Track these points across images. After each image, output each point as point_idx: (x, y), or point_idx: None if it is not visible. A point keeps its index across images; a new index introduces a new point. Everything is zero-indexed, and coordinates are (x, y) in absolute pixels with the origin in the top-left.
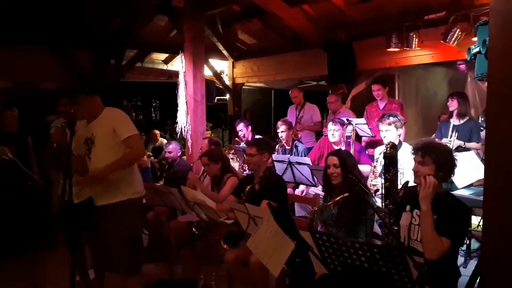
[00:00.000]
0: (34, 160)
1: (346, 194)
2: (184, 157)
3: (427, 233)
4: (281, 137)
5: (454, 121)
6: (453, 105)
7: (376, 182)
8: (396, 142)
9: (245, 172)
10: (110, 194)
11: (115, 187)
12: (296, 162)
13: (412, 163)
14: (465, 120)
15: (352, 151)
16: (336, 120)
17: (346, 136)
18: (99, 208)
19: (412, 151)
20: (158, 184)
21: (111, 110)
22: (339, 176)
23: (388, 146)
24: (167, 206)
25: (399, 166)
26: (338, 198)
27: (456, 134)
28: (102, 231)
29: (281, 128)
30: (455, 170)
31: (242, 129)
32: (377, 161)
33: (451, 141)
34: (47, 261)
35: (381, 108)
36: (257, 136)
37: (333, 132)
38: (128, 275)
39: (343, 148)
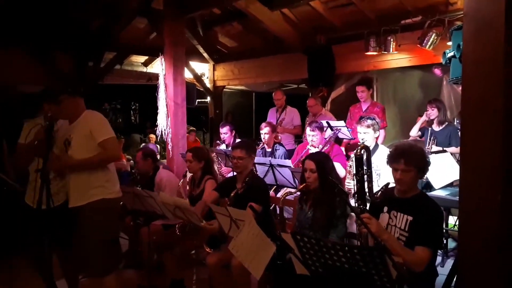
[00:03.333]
0: (10, 165)
1: None
2: (164, 161)
3: (402, 255)
4: (264, 139)
5: (434, 127)
6: (433, 113)
7: (350, 183)
8: (373, 145)
9: (228, 174)
10: (83, 195)
11: (88, 187)
12: (278, 164)
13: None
14: (444, 125)
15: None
16: (314, 125)
17: (325, 138)
18: (73, 210)
19: (391, 158)
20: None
21: (90, 113)
22: (315, 181)
23: (359, 147)
24: (147, 211)
25: (375, 167)
26: None
27: (435, 140)
28: (76, 232)
29: (265, 130)
30: (433, 171)
31: (227, 132)
32: (352, 161)
33: (430, 148)
34: (24, 267)
35: (363, 109)
36: (238, 140)
37: (312, 137)
38: (102, 278)
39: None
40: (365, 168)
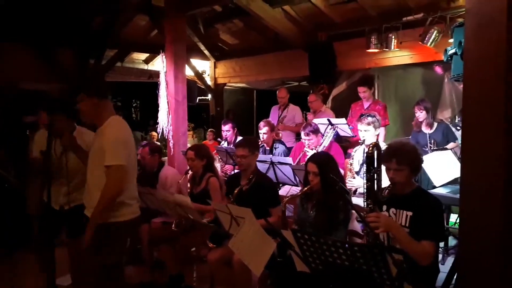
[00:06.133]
0: (10, 163)
1: None
2: (165, 158)
3: (410, 248)
4: (263, 138)
5: (425, 129)
6: (422, 116)
7: (351, 181)
8: None
9: (230, 172)
10: (90, 210)
11: (94, 205)
12: (278, 162)
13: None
14: (435, 126)
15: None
16: (308, 130)
17: (327, 136)
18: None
19: (383, 157)
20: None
21: (110, 126)
22: (317, 184)
23: (370, 146)
24: (148, 207)
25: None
26: None
27: (435, 143)
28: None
29: (263, 130)
30: (433, 169)
31: (229, 130)
32: (352, 159)
33: (431, 150)
34: (24, 262)
35: (365, 107)
36: (240, 138)
37: (307, 142)
38: None
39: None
40: (375, 166)
